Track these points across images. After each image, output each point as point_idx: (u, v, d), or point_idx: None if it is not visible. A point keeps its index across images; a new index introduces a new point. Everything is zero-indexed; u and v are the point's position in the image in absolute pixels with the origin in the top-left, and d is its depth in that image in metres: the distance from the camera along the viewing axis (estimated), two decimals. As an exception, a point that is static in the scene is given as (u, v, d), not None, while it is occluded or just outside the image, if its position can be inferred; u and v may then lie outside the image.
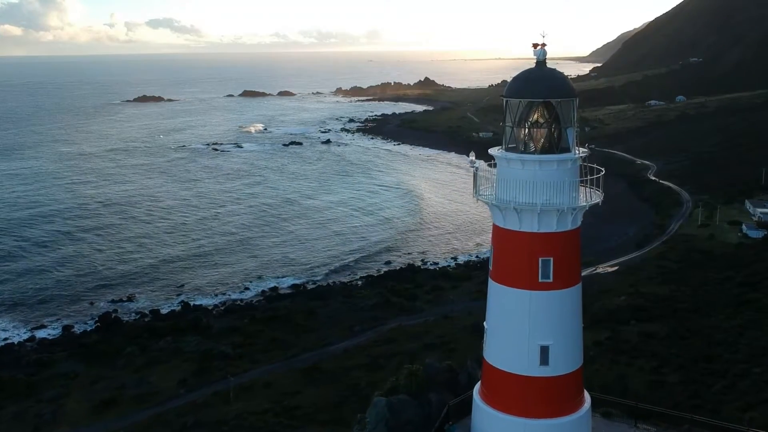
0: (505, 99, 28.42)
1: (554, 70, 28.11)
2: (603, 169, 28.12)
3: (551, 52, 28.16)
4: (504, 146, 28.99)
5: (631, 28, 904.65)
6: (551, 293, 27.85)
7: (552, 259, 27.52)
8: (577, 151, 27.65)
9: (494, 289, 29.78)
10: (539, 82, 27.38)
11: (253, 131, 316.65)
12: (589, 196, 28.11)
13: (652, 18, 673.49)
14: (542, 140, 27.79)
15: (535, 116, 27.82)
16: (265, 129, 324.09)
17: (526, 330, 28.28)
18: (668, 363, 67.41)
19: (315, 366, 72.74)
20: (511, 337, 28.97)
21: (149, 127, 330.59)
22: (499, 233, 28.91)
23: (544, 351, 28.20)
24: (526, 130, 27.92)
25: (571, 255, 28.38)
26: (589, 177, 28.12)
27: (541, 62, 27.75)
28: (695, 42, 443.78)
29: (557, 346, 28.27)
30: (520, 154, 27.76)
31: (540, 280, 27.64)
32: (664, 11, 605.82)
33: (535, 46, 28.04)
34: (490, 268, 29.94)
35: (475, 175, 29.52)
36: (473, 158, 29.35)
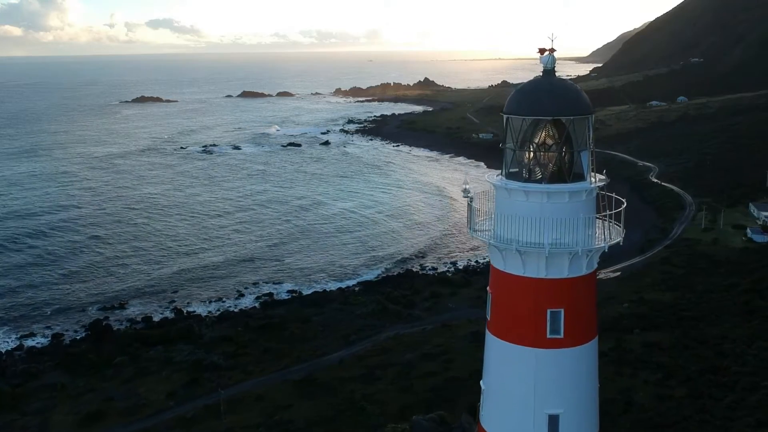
0: (505, 116, 23.59)
1: (565, 80, 23.76)
2: (624, 200, 23.65)
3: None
4: (504, 172, 24.01)
5: (632, 28, 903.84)
6: (562, 352, 23.35)
7: (563, 310, 23.08)
8: (593, 179, 23.20)
9: (493, 344, 25.16)
10: (547, 96, 22.82)
11: (273, 131, 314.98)
12: (608, 234, 23.44)
13: (652, 18, 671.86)
14: (551, 166, 23.20)
15: (543, 137, 23.17)
16: (264, 130, 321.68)
17: (531, 396, 23.72)
18: (674, 375, 65.28)
19: (309, 377, 70.59)
20: (514, 403, 24.39)
21: (146, 129, 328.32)
22: (498, 277, 24.33)
23: (553, 421, 23.67)
24: (531, 153, 23.39)
25: (585, 305, 23.89)
26: (609, 211, 23.16)
27: (549, 71, 23.38)
28: (696, 42, 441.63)
29: (569, 415, 23.72)
30: (523, 182, 23.11)
31: (548, 336, 23.22)
32: (665, 11, 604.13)
33: (541, 51, 23.61)
34: (488, 317, 25.41)
35: (469, 207, 24.48)
36: (467, 186, 24.25)
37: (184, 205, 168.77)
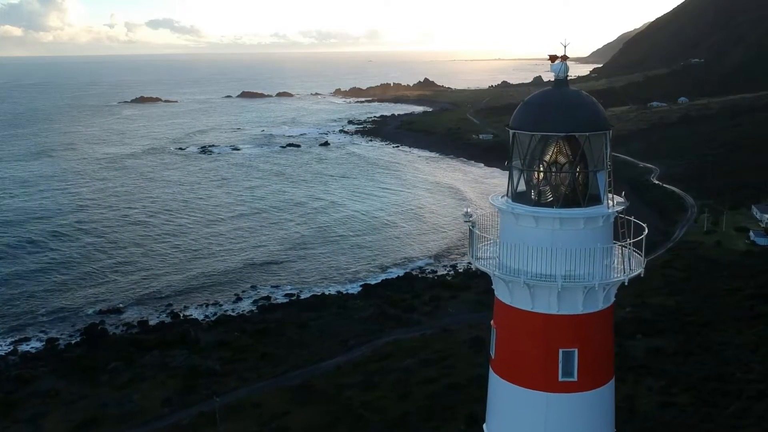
0: (511, 131, 21.11)
1: (579, 92, 21.36)
2: (645, 225, 21.42)
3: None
4: (509, 194, 21.36)
5: (632, 29, 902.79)
6: (575, 396, 20.96)
7: (576, 350, 20.68)
8: (610, 203, 20.66)
9: (498, 385, 22.40)
10: (559, 110, 20.41)
11: (273, 131, 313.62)
12: (628, 264, 20.80)
13: (653, 18, 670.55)
14: (563, 188, 20.61)
15: (554, 155, 20.60)
16: (263, 131, 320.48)
17: None
18: (678, 382, 64.22)
19: (306, 384, 69.53)
20: None
21: (144, 130, 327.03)
22: (503, 312, 21.72)
23: None
24: (541, 174, 20.89)
25: (601, 344, 21.41)
26: (630, 240, 20.57)
27: (561, 81, 21.01)
28: (697, 42, 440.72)
29: None
30: (532, 206, 20.60)
31: (560, 379, 20.82)
32: (665, 11, 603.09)
33: (552, 59, 21.18)
34: (492, 354, 22.69)
35: (471, 233, 22.10)
36: (468, 210, 22.20)
37: (182, 208, 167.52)
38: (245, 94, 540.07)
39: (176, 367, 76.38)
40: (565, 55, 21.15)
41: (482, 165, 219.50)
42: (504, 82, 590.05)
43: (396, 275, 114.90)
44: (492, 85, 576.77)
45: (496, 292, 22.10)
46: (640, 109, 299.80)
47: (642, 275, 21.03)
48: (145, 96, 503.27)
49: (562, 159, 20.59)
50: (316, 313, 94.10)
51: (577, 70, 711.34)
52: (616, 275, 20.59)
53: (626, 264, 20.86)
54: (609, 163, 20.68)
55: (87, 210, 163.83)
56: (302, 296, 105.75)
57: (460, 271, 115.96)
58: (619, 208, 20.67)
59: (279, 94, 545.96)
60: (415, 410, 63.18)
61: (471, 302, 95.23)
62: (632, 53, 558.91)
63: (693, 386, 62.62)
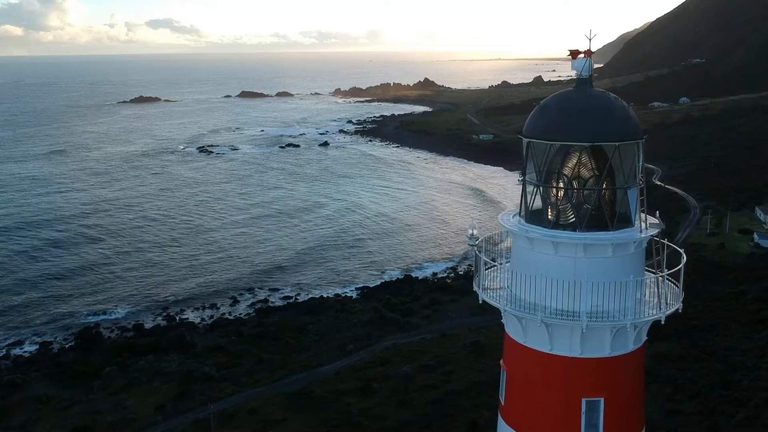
0: (525, 140, 18.00)
1: (606, 93, 18.09)
2: (683, 251, 18.23)
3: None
4: (522, 213, 18.27)
5: (632, 29, 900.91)
6: None
7: (602, 400, 17.65)
8: (644, 225, 17.59)
9: None
10: (583, 115, 17.23)
11: (272, 131, 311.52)
12: (665, 298, 17.60)
13: (653, 18, 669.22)
14: (587, 207, 17.37)
15: (576, 168, 17.36)
16: (262, 131, 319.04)
17: None
18: (683, 389, 62.79)
19: (304, 390, 68.06)
20: None
21: (143, 130, 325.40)
22: (515, 352, 18.57)
23: None
24: (561, 191, 17.61)
25: (631, 391, 18.41)
26: (665, 272, 17.23)
27: (584, 81, 18.03)
28: (698, 42, 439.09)
29: None
30: (550, 229, 17.39)
31: None
32: (666, 11, 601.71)
33: (574, 54, 18.28)
34: (501, 401, 19.62)
35: (477, 258, 18.59)
36: (474, 231, 18.91)
37: (179, 209, 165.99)
38: (245, 94, 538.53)
39: (171, 373, 74.91)
40: (589, 50, 18.29)
41: (483, 165, 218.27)
42: (504, 82, 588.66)
43: (395, 278, 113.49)
44: (492, 86, 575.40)
45: (506, 329, 18.81)
46: (641, 110, 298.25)
47: (680, 311, 18.13)
48: (144, 96, 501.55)
49: (585, 173, 17.32)
50: (314, 316, 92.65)
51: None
52: (650, 312, 17.34)
53: (663, 297, 17.45)
54: (641, 177, 17.56)
55: (82, 212, 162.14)
56: (300, 299, 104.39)
57: (461, 273, 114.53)
58: (654, 232, 17.45)
59: (279, 94, 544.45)
60: (415, 418, 61.78)
61: (470, 306, 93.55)
62: (633, 53, 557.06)
63: (699, 393, 61.20)
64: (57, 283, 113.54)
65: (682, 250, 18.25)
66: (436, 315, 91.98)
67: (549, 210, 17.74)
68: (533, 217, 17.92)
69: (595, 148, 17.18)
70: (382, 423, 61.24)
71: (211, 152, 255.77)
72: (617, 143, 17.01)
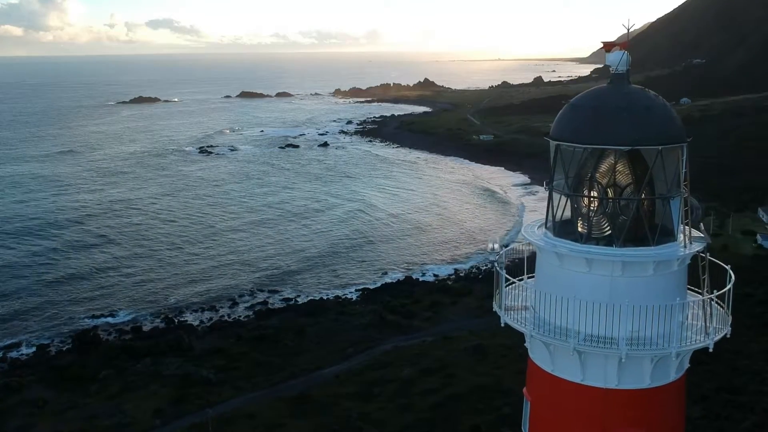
0: (553, 142, 16.11)
1: (645, 90, 16.57)
2: (729, 269, 16.84)
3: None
4: (549, 225, 16.43)
5: (633, 29, 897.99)
6: None
7: None
8: (688, 240, 16.06)
9: None
10: (621, 115, 15.36)
11: (271, 131, 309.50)
12: (713, 323, 16.16)
13: (654, 18, 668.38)
14: (624, 219, 15.57)
15: (612, 175, 15.44)
16: (262, 131, 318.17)
17: None
18: (688, 393, 61.85)
19: (303, 394, 67.21)
20: None
21: (142, 130, 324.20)
22: (541, 381, 16.80)
23: None
24: (594, 201, 15.73)
25: (673, 425, 17.00)
26: (713, 293, 15.70)
27: (620, 76, 16.62)
28: (698, 43, 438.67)
29: None
30: (583, 244, 15.50)
31: None
32: (666, 11, 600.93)
33: (608, 47, 16.49)
34: None
35: (496, 275, 16.75)
36: (495, 246, 17.60)
37: (178, 210, 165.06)
38: (245, 94, 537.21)
39: (169, 376, 73.97)
40: (626, 42, 15.96)
41: (483, 165, 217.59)
42: (504, 83, 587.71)
43: (396, 279, 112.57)
44: (492, 86, 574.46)
45: (530, 354, 16.96)
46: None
47: (729, 336, 16.54)
48: (144, 96, 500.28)
49: (622, 180, 15.40)
50: (313, 318, 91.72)
51: (578, 71, 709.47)
52: (696, 338, 15.89)
53: (710, 322, 15.79)
54: (685, 184, 15.77)
55: (79, 214, 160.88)
56: (300, 301, 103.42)
57: (461, 275, 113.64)
58: (699, 247, 15.87)
59: (279, 95, 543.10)
60: (416, 423, 60.97)
61: (472, 308, 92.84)
62: (633, 53, 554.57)
63: (704, 397, 60.36)
64: (53, 284, 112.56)
65: (728, 267, 16.77)
66: (437, 317, 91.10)
67: (579, 222, 15.89)
68: (561, 229, 16.03)
69: (635, 152, 15.39)
70: (382, 427, 60.44)
71: (211, 152, 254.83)
72: (660, 147, 15.26)
